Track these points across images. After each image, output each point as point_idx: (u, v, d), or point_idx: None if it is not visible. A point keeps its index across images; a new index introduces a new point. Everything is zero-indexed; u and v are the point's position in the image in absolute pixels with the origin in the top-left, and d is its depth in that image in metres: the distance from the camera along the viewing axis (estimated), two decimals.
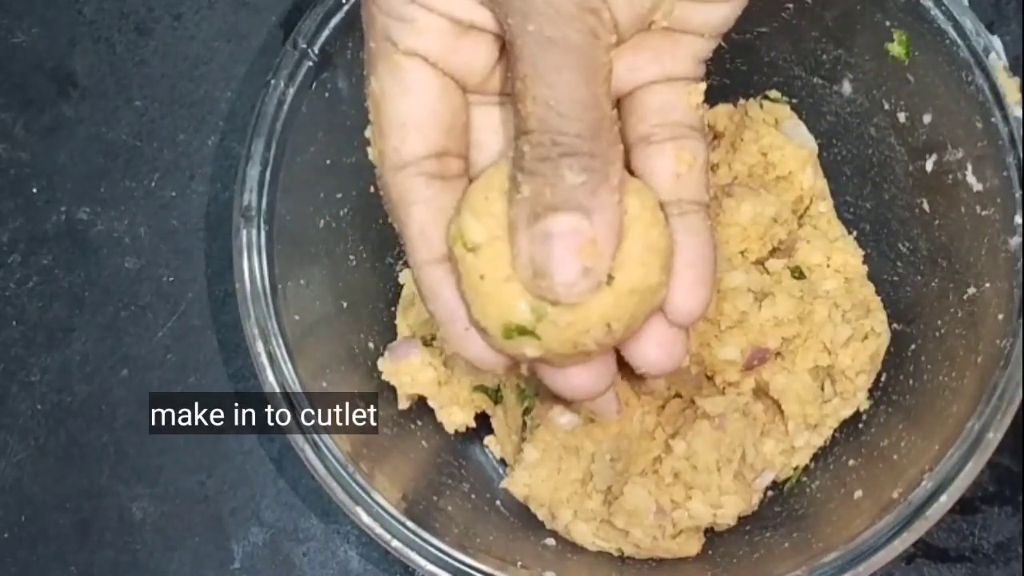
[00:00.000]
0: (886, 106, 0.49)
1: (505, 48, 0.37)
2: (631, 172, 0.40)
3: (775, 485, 0.51)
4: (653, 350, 0.40)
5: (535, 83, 0.36)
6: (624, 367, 0.41)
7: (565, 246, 0.36)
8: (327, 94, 0.46)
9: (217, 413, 0.53)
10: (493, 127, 0.40)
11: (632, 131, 0.40)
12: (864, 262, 0.51)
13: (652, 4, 0.37)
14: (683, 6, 0.38)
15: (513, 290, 0.37)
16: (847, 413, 0.51)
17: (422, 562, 0.42)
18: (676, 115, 0.40)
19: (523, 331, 0.37)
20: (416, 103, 0.38)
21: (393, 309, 0.52)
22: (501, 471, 0.52)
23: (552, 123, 0.36)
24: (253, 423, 0.53)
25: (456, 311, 0.39)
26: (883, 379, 0.51)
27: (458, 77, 0.38)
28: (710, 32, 0.40)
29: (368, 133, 0.39)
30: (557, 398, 0.49)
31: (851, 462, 0.50)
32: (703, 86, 0.40)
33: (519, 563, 0.45)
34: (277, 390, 0.44)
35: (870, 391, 0.51)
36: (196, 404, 0.53)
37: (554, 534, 0.50)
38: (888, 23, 0.46)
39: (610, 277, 0.37)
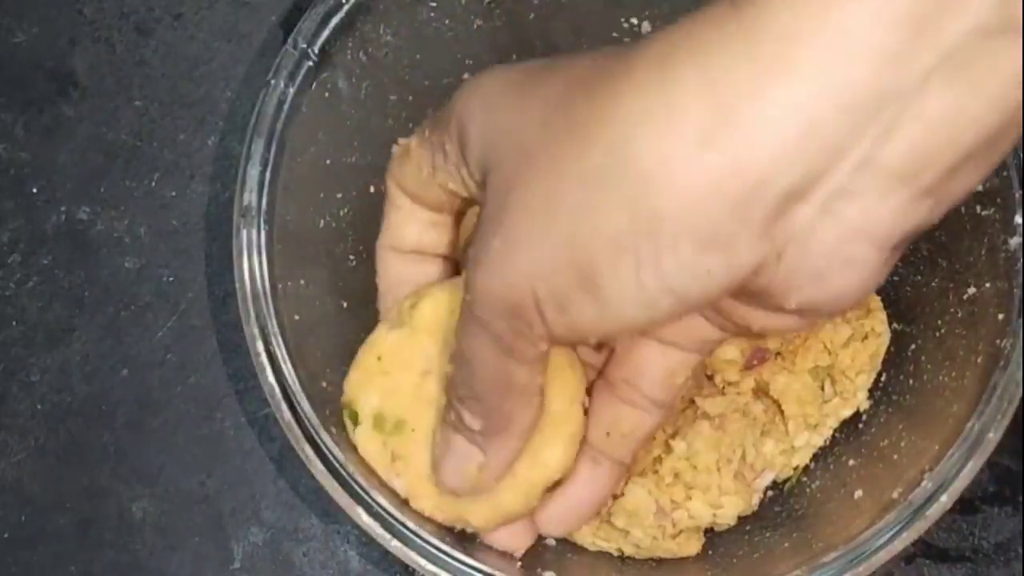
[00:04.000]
0: None
1: None
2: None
3: (775, 485, 0.51)
4: (499, 539, 0.44)
5: (460, 331, 0.37)
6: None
7: (455, 462, 0.40)
8: (327, 94, 0.46)
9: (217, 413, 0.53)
10: None
11: (609, 362, 0.42)
12: None
13: (598, 340, 0.36)
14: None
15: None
16: (847, 413, 0.51)
17: (422, 562, 0.42)
18: (646, 382, 0.41)
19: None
20: (429, 195, 0.42)
21: None
22: None
23: (462, 375, 0.37)
24: (253, 423, 0.54)
25: (398, 287, 0.44)
26: (883, 379, 0.51)
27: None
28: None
29: (402, 143, 0.42)
30: None
31: (851, 462, 0.50)
32: (690, 368, 0.40)
33: (519, 563, 0.45)
34: (277, 390, 0.44)
35: (870, 391, 0.51)
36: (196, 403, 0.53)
37: None
38: None
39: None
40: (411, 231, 0.43)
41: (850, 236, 0.32)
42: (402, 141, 0.42)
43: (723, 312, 0.37)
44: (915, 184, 0.31)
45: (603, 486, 0.42)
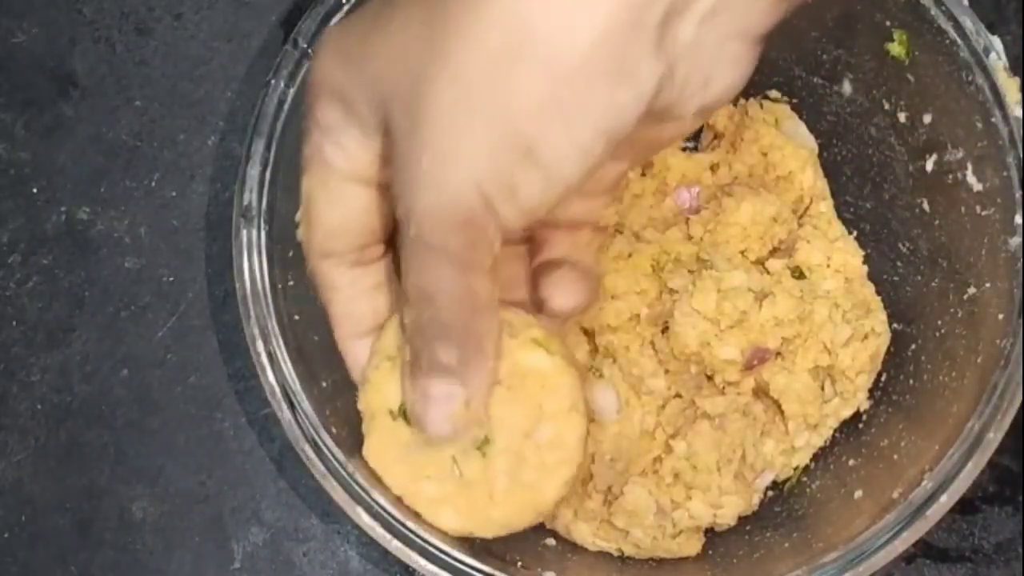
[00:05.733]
0: (886, 106, 0.49)
1: None
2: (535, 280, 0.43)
3: (775, 485, 0.51)
4: (555, 296, 0.43)
5: (412, 270, 0.37)
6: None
7: (439, 409, 0.39)
8: None
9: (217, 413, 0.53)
10: None
11: (542, 249, 0.43)
12: (864, 262, 0.51)
13: (546, 210, 0.37)
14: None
15: None
16: (847, 413, 0.51)
17: (422, 562, 0.42)
18: (580, 255, 0.43)
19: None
20: (340, 214, 0.40)
21: None
22: None
23: (426, 313, 0.37)
24: (253, 423, 0.54)
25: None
26: (883, 379, 0.51)
27: (385, 184, 0.39)
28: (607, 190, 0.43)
29: (299, 216, 0.41)
30: None
31: (851, 462, 0.50)
32: (603, 234, 0.43)
33: (519, 563, 0.45)
34: (277, 390, 0.44)
35: (870, 391, 0.51)
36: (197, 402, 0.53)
37: (554, 534, 0.50)
38: (888, 23, 0.46)
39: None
40: (363, 306, 0.42)
41: (727, 37, 0.37)
42: (298, 229, 0.42)
43: (635, 143, 0.39)
44: None
45: (583, 243, 0.44)
